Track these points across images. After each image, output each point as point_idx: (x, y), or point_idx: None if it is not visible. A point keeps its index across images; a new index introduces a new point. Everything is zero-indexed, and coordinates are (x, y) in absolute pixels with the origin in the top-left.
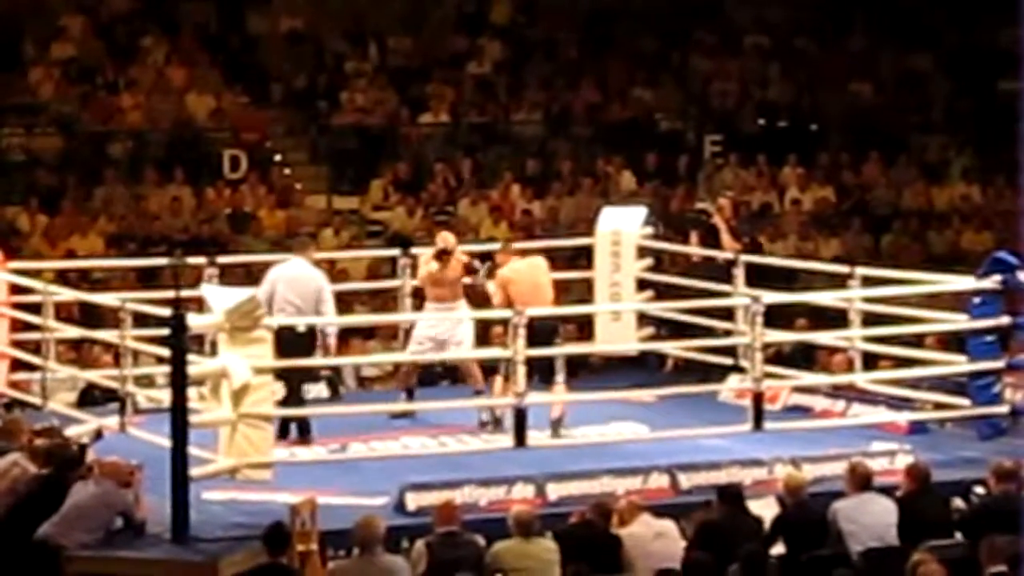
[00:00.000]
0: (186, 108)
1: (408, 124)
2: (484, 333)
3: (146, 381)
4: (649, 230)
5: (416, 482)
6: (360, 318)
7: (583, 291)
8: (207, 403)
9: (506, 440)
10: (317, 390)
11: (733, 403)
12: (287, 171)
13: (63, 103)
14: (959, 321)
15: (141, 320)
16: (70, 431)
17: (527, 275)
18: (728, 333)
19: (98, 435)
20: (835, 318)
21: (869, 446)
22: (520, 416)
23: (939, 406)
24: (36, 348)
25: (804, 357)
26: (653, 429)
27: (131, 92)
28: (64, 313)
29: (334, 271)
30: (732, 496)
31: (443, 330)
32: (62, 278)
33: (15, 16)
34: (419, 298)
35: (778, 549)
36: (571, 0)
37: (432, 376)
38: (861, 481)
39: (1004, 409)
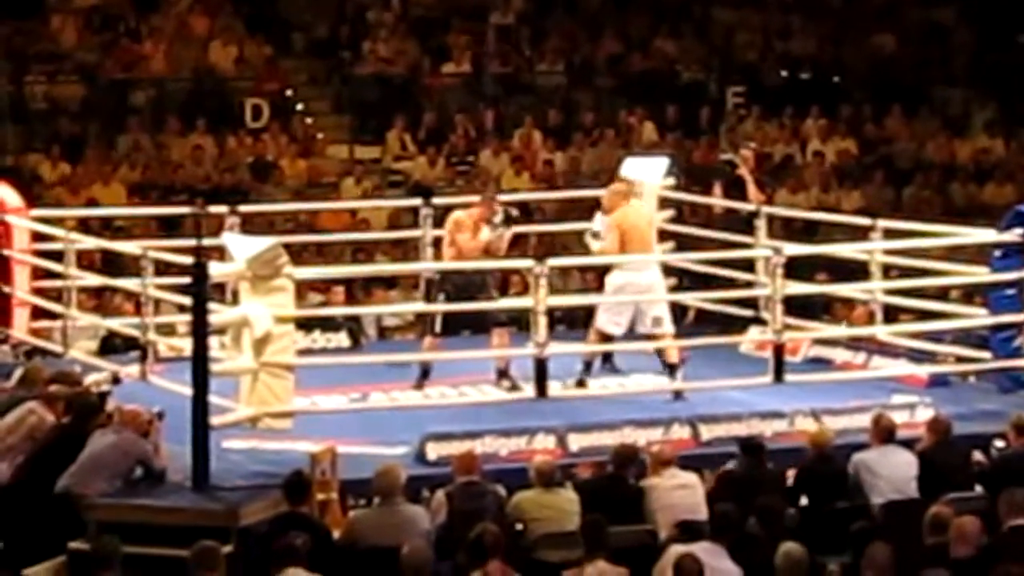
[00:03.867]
0: (208, 57)
1: (430, 74)
2: (504, 284)
3: (167, 329)
4: (671, 181)
5: (436, 432)
6: (381, 267)
7: None
8: (228, 352)
9: (527, 390)
10: (338, 339)
11: (754, 355)
12: (309, 120)
13: (85, 51)
14: (980, 274)
15: (162, 269)
16: (88, 379)
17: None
18: (749, 285)
19: (115, 380)
20: (856, 271)
21: (889, 399)
22: (541, 367)
23: (960, 359)
24: (58, 296)
25: (823, 309)
26: (662, 375)
27: (153, 40)
28: (86, 261)
29: (355, 220)
30: (753, 448)
31: None
32: (84, 226)
33: None
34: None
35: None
36: None
37: (456, 325)
38: (884, 433)
39: None
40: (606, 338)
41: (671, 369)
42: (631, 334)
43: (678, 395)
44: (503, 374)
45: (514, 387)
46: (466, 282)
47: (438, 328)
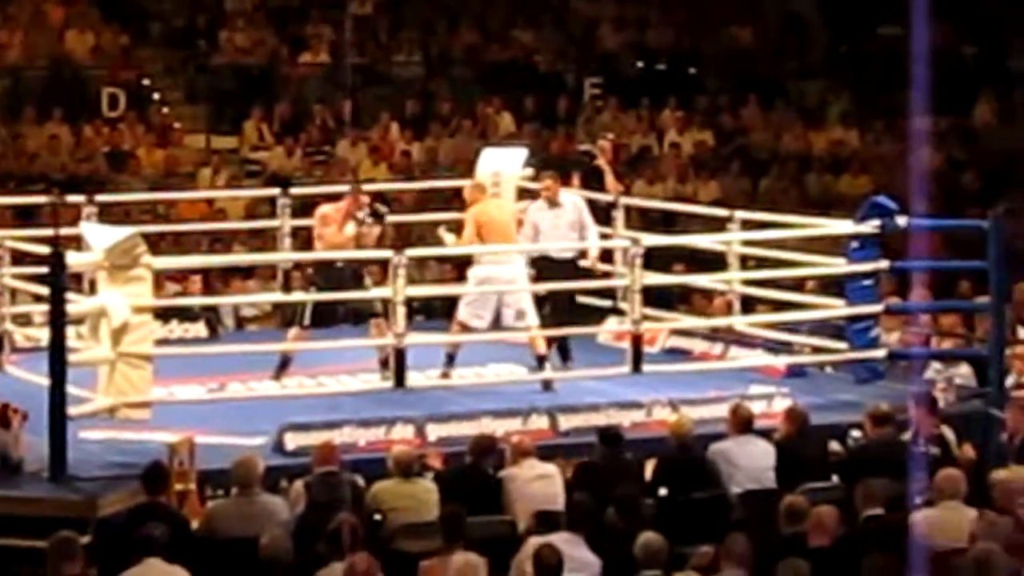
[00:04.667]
0: (64, 45)
1: (288, 64)
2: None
3: (23, 320)
4: (529, 171)
5: (295, 422)
6: (239, 257)
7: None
8: (86, 342)
9: (386, 381)
10: (196, 329)
11: (612, 345)
12: (165, 110)
13: None
14: (837, 265)
15: (19, 258)
16: None
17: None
18: (607, 275)
19: None
20: (713, 261)
21: (747, 389)
22: (400, 356)
23: (817, 350)
24: None
25: (681, 299)
26: (532, 371)
27: (9, 29)
28: None
29: (213, 210)
30: (611, 438)
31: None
32: None
33: None
34: (297, 238)
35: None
36: None
37: (328, 317)
38: (742, 423)
39: (881, 353)
40: (467, 331)
41: (540, 360)
42: (497, 326)
43: (547, 385)
44: (386, 364)
45: (445, 375)
46: (337, 275)
47: (307, 321)
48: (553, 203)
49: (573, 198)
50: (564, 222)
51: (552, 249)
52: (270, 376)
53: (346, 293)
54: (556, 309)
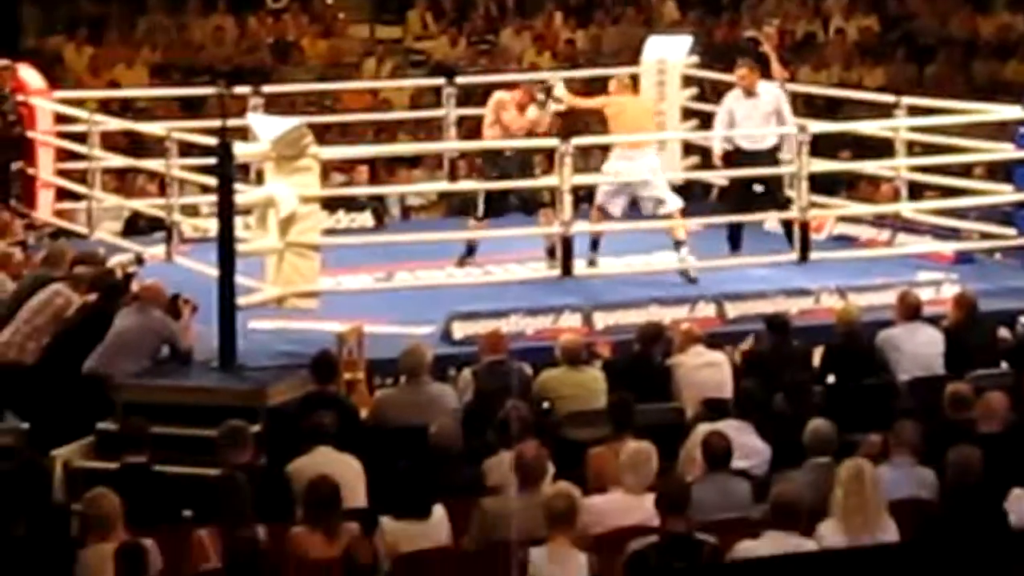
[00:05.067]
0: None
1: None
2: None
3: (191, 210)
4: (695, 59)
5: (462, 311)
6: (404, 146)
7: None
8: (254, 232)
9: (552, 269)
10: (362, 219)
11: (779, 232)
12: (329, 0)
13: None
14: (1006, 150)
15: (186, 150)
16: (113, 260)
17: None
18: (748, 154)
19: (139, 261)
20: (879, 148)
21: (915, 276)
22: (567, 245)
23: (985, 235)
24: (82, 177)
25: (848, 186)
26: (699, 258)
27: None
28: (109, 143)
29: (377, 100)
30: (779, 325)
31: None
32: (105, 108)
33: None
34: (462, 127)
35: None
36: None
37: (503, 205)
38: (910, 310)
39: None
40: (606, 217)
41: (677, 245)
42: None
43: (687, 276)
44: (552, 253)
45: (592, 262)
46: (505, 163)
47: (479, 212)
48: (750, 92)
49: (772, 88)
50: (760, 112)
51: (745, 139)
52: (454, 263)
53: (514, 182)
54: (730, 198)
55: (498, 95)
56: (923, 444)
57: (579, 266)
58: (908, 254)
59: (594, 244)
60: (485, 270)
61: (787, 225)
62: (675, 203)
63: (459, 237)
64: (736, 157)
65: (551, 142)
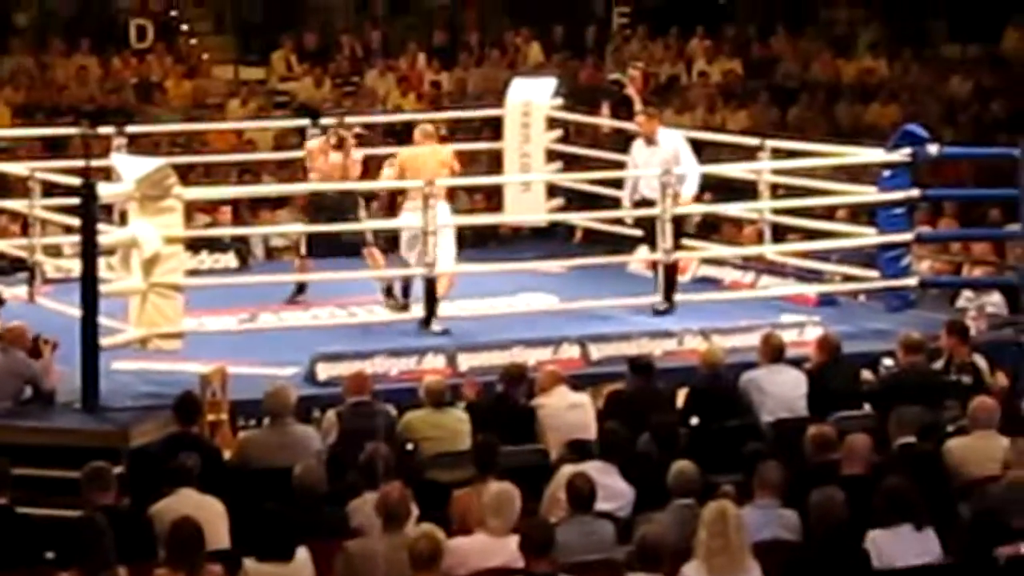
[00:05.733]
0: None
1: None
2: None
3: (54, 250)
4: (559, 101)
5: (327, 352)
6: (268, 188)
7: (492, 162)
8: (117, 272)
9: (416, 311)
10: (226, 260)
11: (643, 274)
12: (193, 41)
13: None
14: (869, 193)
15: (49, 190)
16: None
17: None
18: (639, 204)
19: None
20: (743, 190)
21: (778, 318)
22: (431, 286)
23: (848, 278)
24: None
25: (712, 228)
26: (563, 300)
27: None
28: None
29: (242, 141)
30: (643, 367)
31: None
32: None
33: None
34: None
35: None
36: None
37: (325, 247)
38: (773, 352)
39: (913, 281)
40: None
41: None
42: None
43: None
44: (390, 292)
45: (404, 306)
46: (332, 204)
47: (303, 250)
48: (650, 140)
49: (673, 136)
50: (658, 159)
51: (645, 188)
52: (284, 302)
53: (340, 223)
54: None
55: (307, 145)
56: (786, 486)
57: (444, 308)
58: (771, 296)
59: (404, 291)
60: (349, 311)
61: (654, 267)
62: (449, 262)
63: (322, 278)
64: (641, 206)
65: (415, 183)
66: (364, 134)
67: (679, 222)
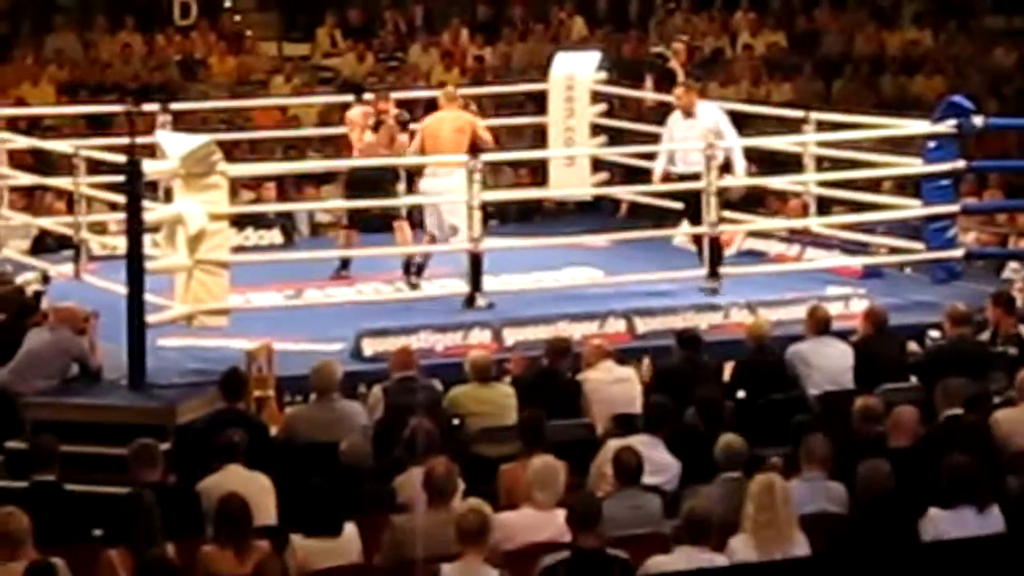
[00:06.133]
0: None
1: None
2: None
3: (99, 228)
4: (603, 75)
5: (372, 328)
6: (313, 163)
7: (537, 137)
8: (162, 250)
9: (462, 285)
10: (271, 236)
11: (687, 248)
12: (237, 17)
13: None
14: (914, 165)
15: (94, 168)
16: (20, 279)
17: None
18: (682, 178)
19: (45, 279)
20: (788, 163)
21: (824, 290)
22: (476, 261)
23: (894, 250)
24: None
25: (757, 201)
26: (608, 274)
27: None
28: (16, 161)
29: (286, 117)
30: (690, 340)
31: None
32: (12, 126)
33: None
34: None
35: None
36: None
37: (383, 220)
38: (819, 324)
39: (959, 253)
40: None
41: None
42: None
43: (471, 300)
44: (409, 268)
45: (415, 284)
46: (369, 180)
47: (344, 222)
48: (688, 113)
49: (711, 108)
50: (697, 133)
51: (681, 161)
52: (329, 277)
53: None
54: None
55: (348, 115)
56: (833, 458)
57: (489, 282)
58: (817, 269)
59: (419, 269)
60: (395, 287)
61: (698, 240)
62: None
63: (367, 253)
64: (671, 180)
65: (459, 157)
66: (406, 119)
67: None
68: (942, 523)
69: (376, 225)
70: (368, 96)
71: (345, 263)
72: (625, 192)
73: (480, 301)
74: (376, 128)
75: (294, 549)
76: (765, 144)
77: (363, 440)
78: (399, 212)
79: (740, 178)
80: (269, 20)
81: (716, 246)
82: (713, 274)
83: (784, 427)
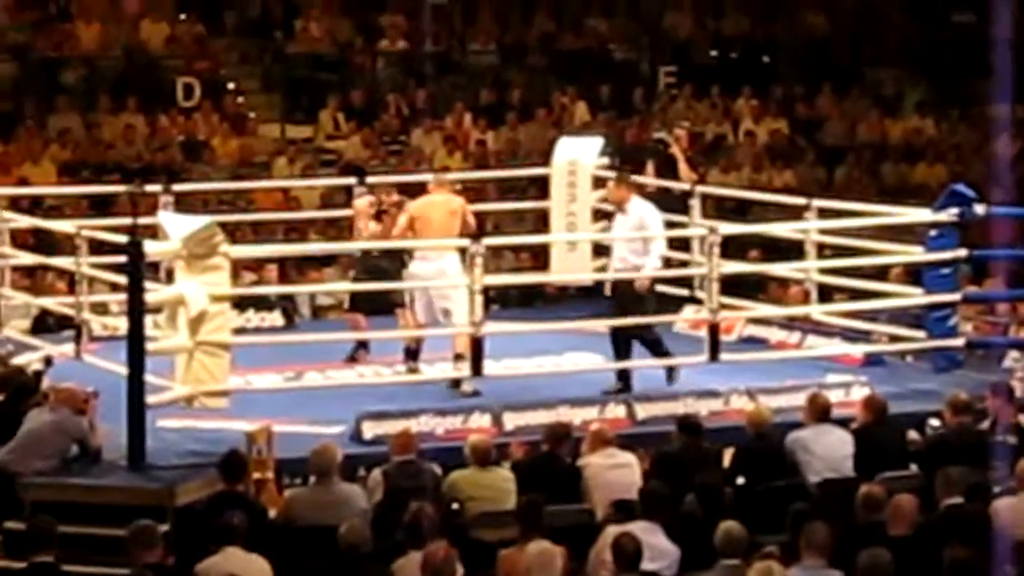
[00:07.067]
0: (139, 35)
1: (362, 53)
2: None
3: (101, 308)
4: (605, 161)
5: (372, 411)
6: (314, 246)
7: (539, 221)
8: (163, 331)
9: (463, 370)
10: (272, 318)
11: (688, 333)
12: (240, 99)
13: (16, 30)
14: (915, 253)
15: (96, 248)
16: (20, 359)
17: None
18: (684, 264)
19: (47, 362)
20: (789, 250)
21: (824, 378)
22: (477, 345)
23: (895, 338)
24: None
25: (758, 288)
26: (609, 360)
27: (84, 18)
28: (18, 240)
29: (288, 199)
30: (691, 427)
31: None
32: (14, 206)
33: None
34: None
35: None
36: None
37: (388, 305)
38: (819, 412)
39: (960, 342)
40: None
41: (457, 358)
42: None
43: (456, 384)
44: (409, 354)
45: (414, 370)
46: (375, 266)
47: (345, 304)
48: (620, 208)
49: (642, 207)
50: (624, 230)
51: (615, 259)
52: (344, 359)
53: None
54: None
55: (355, 204)
56: (833, 546)
57: (489, 366)
58: (818, 356)
59: (413, 354)
60: (394, 370)
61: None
62: (462, 317)
63: (367, 336)
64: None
65: (462, 242)
66: (402, 200)
67: (639, 297)
68: None
69: (375, 308)
70: (372, 180)
71: (362, 344)
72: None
73: (466, 386)
74: (378, 217)
75: None
76: (767, 231)
77: (362, 523)
78: (403, 298)
79: (644, 278)
80: (272, 102)
81: (716, 332)
82: (713, 359)
83: (783, 514)
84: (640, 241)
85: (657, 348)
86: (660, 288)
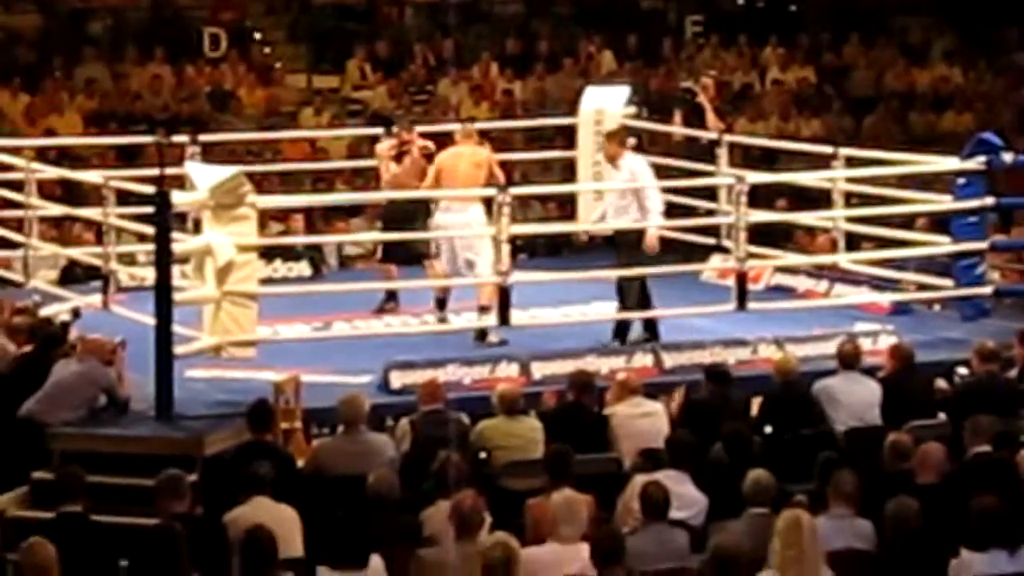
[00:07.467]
0: None
1: (388, 3)
2: None
3: (128, 259)
4: (632, 110)
5: (400, 360)
6: (342, 196)
7: (565, 170)
8: (191, 281)
9: (490, 319)
10: (299, 268)
11: (716, 283)
12: (267, 50)
13: None
14: (943, 202)
15: (123, 198)
16: (48, 310)
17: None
18: (711, 213)
19: (75, 313)
20: (816, 199)
21: (852, 326)
22: (504, 295)
23: (922, 287)
24: (18, 226)
25: (785, 237)
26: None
27: None
28: (46, 191)
29: (315, 150)
30: (719, 375)
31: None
32: (41, 156)
33: None
34: None
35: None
36: None
37: (417, 256)
38: (847, 360)
39: (987, 290)
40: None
41: (480, 310)
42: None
43: (482, 335)
44: (441, 305)
45: (444, 320)
46: (399, 213)
47: (378, 255)
48: (612, 163)
49: (634, 162)
50: (617, 183)
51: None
52: (373, 310)
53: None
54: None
55: (377, 149)
56: (860, 495)
57: (517, 316)
58: (845, 305)
59: (441, 303)
60: (422, 319)
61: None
62: (486, 268)
63: (395, 286)
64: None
65: (489, 191)
66: (432, 151)
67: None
68: (975, 566)
69: (404, 258)
70: (398, 129)
71: (391, 296)
72: (654, 226)
73: (492, 337)
74: (398, 159)
75: None
76: (794, 179)
77: (390, 473)
78: (429, 249)
79: (650, 231)
80: (299, 52)
81: (743, 281)
82: (741, 308)
83: (811, 463)
84: (630, 198)
85: (639, 302)
86: (687, 237)
